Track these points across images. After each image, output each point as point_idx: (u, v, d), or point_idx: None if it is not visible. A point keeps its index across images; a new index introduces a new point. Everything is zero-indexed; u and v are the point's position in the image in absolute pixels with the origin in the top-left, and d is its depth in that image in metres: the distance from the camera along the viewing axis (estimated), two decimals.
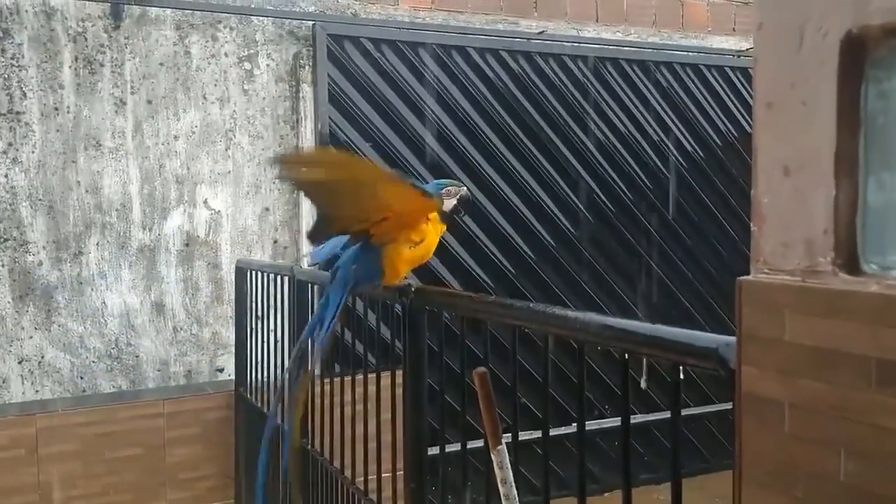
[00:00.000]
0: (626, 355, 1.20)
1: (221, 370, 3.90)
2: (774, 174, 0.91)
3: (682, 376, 1.12)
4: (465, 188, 2.03)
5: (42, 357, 3.59)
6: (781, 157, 0.91)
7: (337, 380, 2.49)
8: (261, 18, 3.95)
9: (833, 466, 0.81)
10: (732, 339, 0.97)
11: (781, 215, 0.90)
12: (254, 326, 3.32)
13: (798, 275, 0.88)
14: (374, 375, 2.22)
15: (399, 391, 2.06)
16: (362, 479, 2.28)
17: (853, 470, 0.79)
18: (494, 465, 1.39)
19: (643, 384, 1.25)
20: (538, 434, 1.46)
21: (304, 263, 3.93)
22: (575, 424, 4.05)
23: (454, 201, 1.97)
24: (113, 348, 3.71)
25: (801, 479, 0.85)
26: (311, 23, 4.02)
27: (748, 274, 0.97)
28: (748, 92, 5.07)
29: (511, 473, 1.40)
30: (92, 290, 3.66)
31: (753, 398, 0.91)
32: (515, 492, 1.40)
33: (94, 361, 3.68)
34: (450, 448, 1.86)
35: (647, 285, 4.88)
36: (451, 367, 1.79)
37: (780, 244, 0.91)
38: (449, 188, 1.98)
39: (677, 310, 4.92)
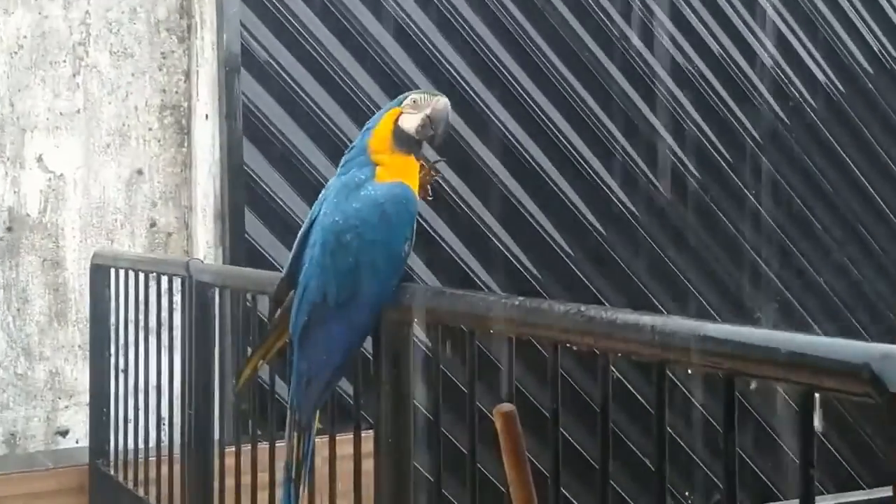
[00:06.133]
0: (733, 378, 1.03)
1: (66, 433, 3.19)
2: None
3: (818, 407, 0.92)
4: (440, 98, 1.54)
5: None
6: None
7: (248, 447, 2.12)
8: None
9: None
10: (890, 347, 0.86)
11: None
12: (121, 359, 2.77)
13: None
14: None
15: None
16: None
17: None
18: None
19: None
20: None
21: (205, 256, 3.21)
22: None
23: (420, 117, 1.51)
24: None
25: None
26: None
27: None
28: None
29: None
30: None
31: None
32: None
33: None
34: None
35: (754, 288, 4.03)
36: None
37: None
38: (414, 98, 1.54)
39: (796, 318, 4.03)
